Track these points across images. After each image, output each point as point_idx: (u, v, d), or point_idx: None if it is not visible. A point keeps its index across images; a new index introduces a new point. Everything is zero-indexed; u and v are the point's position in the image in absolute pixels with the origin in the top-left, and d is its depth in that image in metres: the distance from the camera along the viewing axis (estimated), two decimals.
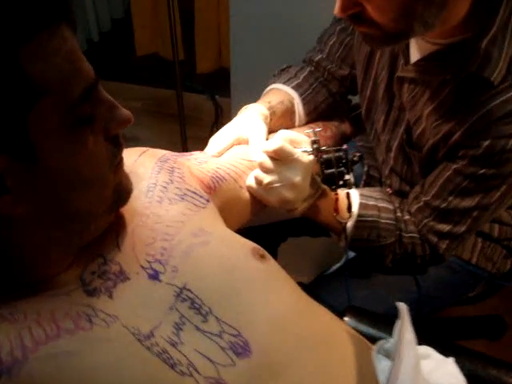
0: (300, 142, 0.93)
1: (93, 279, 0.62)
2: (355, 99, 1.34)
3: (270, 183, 0.90)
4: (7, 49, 0.46)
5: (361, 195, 1.04)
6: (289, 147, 0.89)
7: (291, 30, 1.85)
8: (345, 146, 0.95)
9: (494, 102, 0.86)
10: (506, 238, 1.16)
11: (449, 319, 1.66)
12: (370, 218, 1.02)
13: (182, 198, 0.75)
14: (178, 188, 0.76)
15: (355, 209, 1.02)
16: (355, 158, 0.94)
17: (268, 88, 1.22)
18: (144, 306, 0.63)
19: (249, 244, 0.74)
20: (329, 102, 1.25)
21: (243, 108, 1.08)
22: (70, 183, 0.56)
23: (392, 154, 1.12)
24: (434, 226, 1.01)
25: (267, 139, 0.99)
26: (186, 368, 0.59)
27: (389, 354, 0.69)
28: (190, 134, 2.22)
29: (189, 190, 0.77)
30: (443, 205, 0.98)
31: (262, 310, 0.67)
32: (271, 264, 0.74)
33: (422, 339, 0.76)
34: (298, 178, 0.90)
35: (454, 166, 0.95)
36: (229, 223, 0.82)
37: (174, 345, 0.61)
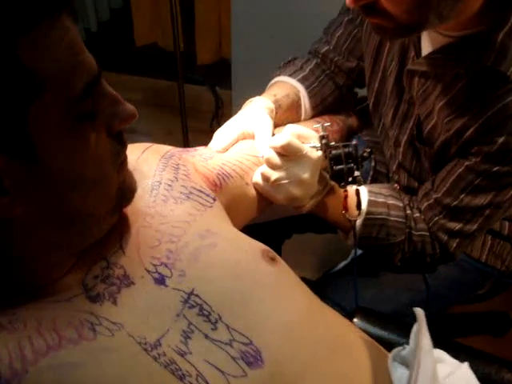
0: (308, 137, 0.90)
1: (96, 284, 0.59)
2: (361, 92, 1.31)
3: (277, 180, 0.87)
4: (5, 40, 0.43)
5: (369, 192, 1.01)
6: (297, 143, 0.86)
7: (293, 21, 1.82)
8: (354, 142, 0.92)
9: (510, 97, 0.83)
10: None
11: (453, 315, 1.64)
12: (380, 216, 1.00)
13: (188, 197, 0.72)
14: (183, 186, 0.72)
15: (364, 206, 0.99)
16: (365, 154, 0.91)
17: (273, 81, 1.19)
18: (150, 313, 0.59)
19: (258, 246, 0.71)
20: (335, 96, 1.22)
21: (248, 101, 1.05)
22: (72, 183, 0.52)
23: (400, 149, 1.09)
24: (445, 224, 0.99)
25: (273, 134, 0.96)
26: (195, 379, 0.56)
27: (405, 362, 0.66)
28: (189, 125, 2.18)
29: (195, 189, 0.74)
30: (454, 202, 0.96)
31: (274, 317, 0.64)
32: (281, 267, 0.71)
33: (434, 341, 0.74)
34: (306, 175, 0.87)
35: (467, 163, 0.92)
36: (235, 221, 0.79)
37: (182, 354, 0.58)
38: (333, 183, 0.97)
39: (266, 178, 0.88)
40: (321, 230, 1.35)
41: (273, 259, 0.69)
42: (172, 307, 0.61)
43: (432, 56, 0.93)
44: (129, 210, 0.66)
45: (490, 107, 0.86)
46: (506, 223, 1.13)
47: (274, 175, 0.87)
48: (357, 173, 0.91)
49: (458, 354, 0.81)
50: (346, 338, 0.70)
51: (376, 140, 1.26)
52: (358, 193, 0.98)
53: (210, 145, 0.94)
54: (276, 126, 1.02)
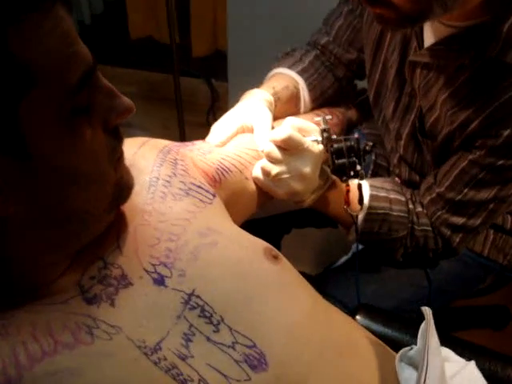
0: (309, 130, 0.88)
1: (92, 285, 0.57)
2: (360, 84, 1.29)
3: (278, 174, 0.85)
4: None
5: (371, 186, 0.99)
6: (298, 136, 0.84)
7: (290, 12, 1.79)
8: (356, 135, 0.90)
9: None
10: None
11: (452, 309, 1.63)
12: (381, 211, 0.98)
13: (187, 194, 0.69)
14: (182, 182, 0.70)
15: (366, 201, 0.97)
16: (367, 148, 0.89)
17: (271, 72, 1.17)
18: (149, 315, 0.57)
19: (260, 243, 0.69)
20: (335, 88, 1.20)
21: (246, 93, 1.02)
22: (67, 180, 0.50)
23: (402, 143, 1.07)
24: (448, 219, 0.97)
25: (272, 127, 0.94)
26: None
27: (412, 362, 0.64)
28: (185, 119, 2.16)
29: (194, 184, 0.71)
30: (458, 197, 0.94)
31: (277, 318, 0.62)
32: (284, 265, 0.69)
33: (439, 338, 0.72)
34: (307, 169, 0.85)
35: (471, 157, 0.90)
36: (234, 217, 0.77)
37: (183, 358, 0.55)
38: (334, 177, 0.95)
39: (266, 173, 0.86)
40: (320, 224, 1.34)
41: (275, 257, 0.67)
42: (172, 309, 0.59)
43: (435, 47, 0.91)
44: (126, 208, 0.63)
45: (495, 99, 0.84)
46: (509, 217, 1.11)
47: (275, 169, 0.85)
48: (359, 167, 0.89)
49: (463, 351, 0.80)
50: (351, 337, 0.69)
51: (376, 133, 1.24)
52: (359, 187, 0.96)
53: (208, 139, 0.92)
54: (275, 118, 1.00)
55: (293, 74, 1.14)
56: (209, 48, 2.77)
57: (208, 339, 0.58)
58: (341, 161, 0.88)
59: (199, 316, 0.59)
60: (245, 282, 0.63)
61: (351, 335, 0.69)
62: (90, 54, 0.50)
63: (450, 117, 0.91)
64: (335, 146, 0.88)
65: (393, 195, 1.00)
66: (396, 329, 0.89)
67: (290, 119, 0.88)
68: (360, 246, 1.06)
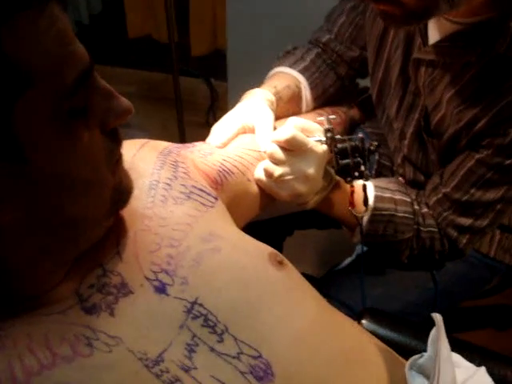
0: (313, 130, 0.86)
1: (91, 294, 0.55)
2: (362, 83, 1.27)
3: (281, 175, 0.83)
4: None
5: (376, 187, 0.97)
6: (302, 136, 0.82)
7: (291, 10, 1.78)
8: (360, 135, 0.88)
9: None
10: None
11: (456, 309, 1.62)
12: (387, 212, 0.96)
13: (188, 197, 0.67)
14: (183, 185, 0.68)
15: (371, 202, 0.95)
16: (372, 148, 0.88)
17: (272, 71, 1.15)
18: (151, 325, 0.55)
19: (264, 249, 0.67)
20: (337, 86, 1.18)
21: (247, 93, 1.00)
22: (64, 185, 0.48)
23: (406, 142, 1.06)
24: (455, 220, 0.95)
25: (274, 127, 0.92)
26: None
27: (423, 370, 0.63)
28: (184, 119, 2.14)
29: (195, 188, 0.69)
30: (465, 197, 0.92)
31: (284, 327, 0.60)
32: (290, 271, 0.66)
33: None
34: (311, 170, 0.83)
35: (478, 156, 0.88)
36: (236, 220, 0.75)
37: (186, 370, 0.53)
38: (338, 178, 0.93)
39: (269, 174, 0.84)
40: (323, 225, 1.32)
41: (280, 263, 0.65)
42: (174, 318, 0.56)
43: (440, 44, 0.89)
44: (125, 213, 0.61)
45: (503, 97, 0.82)
46: None
47: (278, 171, 0.83)
48: (363, 167, 0.88)
49: (471, 354, 0.78)
50: (359, 345, 0.66)
51: (379, 132, 1.22)
52: (364, 188, 0.94)
53: (209, 140, 0.90)
54: (276, 118, 0.98)
55: (294, 72, 1.12)
56: (208, 47, 2.75)
57: (212, 350, 0.56)
58: (345, 161, 0.87)
59: (202, 325, 0.57)
60: (249, 289, 0.61)
61: (359, 342, 0.67)
62: (87, 54, 0.48)
63: (456, 115, 0.89)
64: (339, 146, 0.86)
65: (398, 196, 0.99)
66: (403, 333, 0.87)
67: (292, 119, 0.86)
68: (364, 248, 1.04)
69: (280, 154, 0.83)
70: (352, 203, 0.94)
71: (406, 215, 0.97)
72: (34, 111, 0.43)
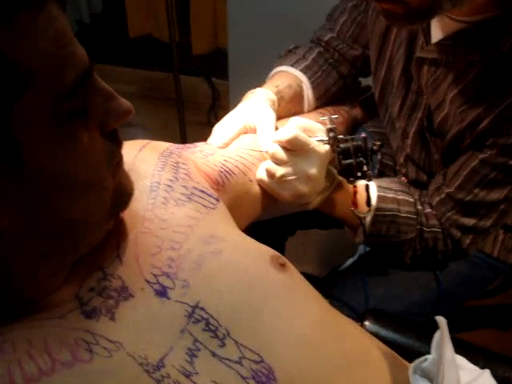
0: (315, 130, 0.85)
1: (91, 297, 0.54)
2: (364, 81, 1.26)
3: (283, 176, 0.82)
4: None
5: (379, 187, 0.97)
6: (304, 136, 0.82)
7: (291, 9, 1.77)
8: (363, 134, 0.87)
9: None
10: None
11: (459, 309, 1.61)
12: (389, 212, 0.95)
13: (189, 199, 0.66)
14: (184, 187, 0.67)
15: (374, 202, 0.94)
16: (375, 147, 0.87)
17: (274, 71, 1.14)
18: (151, 329, 0.54)
19: (266, 251, 0.66)
20: (339, 85, 1.17)
21: (248, 93, 1.00)
22: (63, 188, 0.47)
23: (409, 141, 1.05)
24: (458, 220, 0.94)
25: (276, 127, 0.91)
26: None
27: (426, 374, 0.62)
28: (186, 118, 2.14)
29: (196, 189, 0.68)
30: (468, 197, 0.91)
31: (286, 330, 0.59)
32: (292, 273, 0.66)
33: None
34: (313, 170, 0.83)
35: (481, 156, 0.88)
36: (238, 221, 0.74)
37: (187, 375, 0.52)
38: (340, 178, 0.92)
39: (271, 175, 0.84)
40: (326, 225, 1.31)
41: (282, 265, 0.64)
42: (175, 322, 0.56)
43: (443, 43, 0.89)
44: (126, 215, 0.60)
45: (507, 96, 0.81)
46: None
47: (280, 171, 0.83)
48: (366, 167, 0.87)
49: (476, 356, 0.78)
50: (362, 348, 0.66)
51: (381, 131, 1.21)
52: (367, 188, 0.93)
53: (210, 140, 0.89)
54: (278, 118, 0.97)
55: (296, 71, 1.11)
56: (209, 46, 2.75)
57: (213, 354, 0.55)
58: (348, 161, 0.86)
59: (204, 330, 0.56)
60: (251, 292, 0.60)
61: (362, 345, 0.66)
62: (86, 56, 0.47)
63: (459, 115, 0.89)
64: (342, 145, 0.86)
65: (401, 196, 0.98)
66: (406, 335, 0.87)
67: (294, 119, 0.85)
68: (367, 249, 1.04)
69: (282, 155, 0.82)
70: (355, 203, 0.93)
71: (409, 215, 0.96)
72: (33, 112, 0.42)
